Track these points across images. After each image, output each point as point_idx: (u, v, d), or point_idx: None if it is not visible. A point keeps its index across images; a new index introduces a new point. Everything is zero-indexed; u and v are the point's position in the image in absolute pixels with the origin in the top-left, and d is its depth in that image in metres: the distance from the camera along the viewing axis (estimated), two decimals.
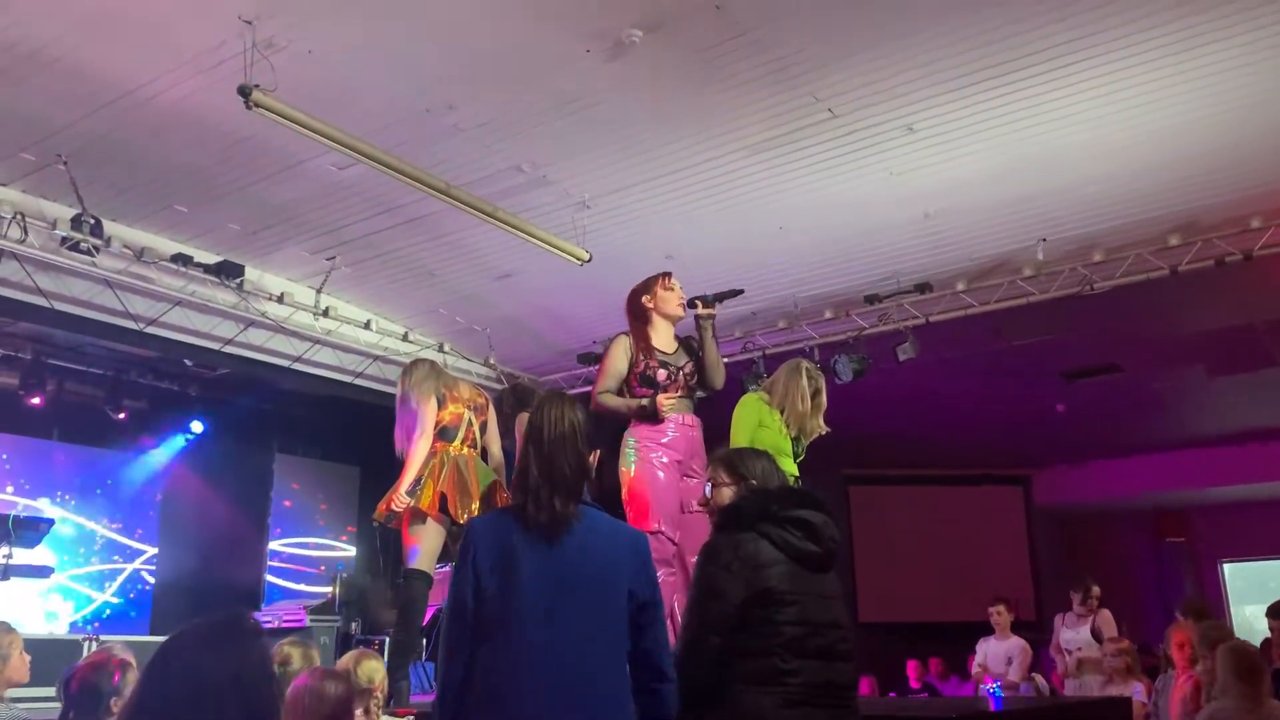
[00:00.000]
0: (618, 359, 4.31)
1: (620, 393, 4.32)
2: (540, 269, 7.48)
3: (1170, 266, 6.89)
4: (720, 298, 4.55)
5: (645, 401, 4.20)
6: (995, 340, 8.09)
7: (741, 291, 4.48)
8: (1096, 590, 7.04)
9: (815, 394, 4.64)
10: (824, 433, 4.71)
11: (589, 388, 8.28)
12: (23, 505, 8.76)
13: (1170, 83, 5.44)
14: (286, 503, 10.07)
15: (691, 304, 4.48)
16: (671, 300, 4.44)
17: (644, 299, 4.42)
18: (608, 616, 2.53)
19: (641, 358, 4.30)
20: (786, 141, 5.92)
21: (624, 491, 4.28)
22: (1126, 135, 5.93)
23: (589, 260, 6.78)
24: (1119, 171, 6.28)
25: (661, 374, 4.29)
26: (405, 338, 8.60)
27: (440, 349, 8.97)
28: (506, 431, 5.23)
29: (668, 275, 4.53)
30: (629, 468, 4.26)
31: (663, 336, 4.43)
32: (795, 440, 4.63)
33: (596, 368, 8.15)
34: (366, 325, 8.30)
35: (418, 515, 4.66)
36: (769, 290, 7.95)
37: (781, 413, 4.57)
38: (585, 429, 2.65)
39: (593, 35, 5.00)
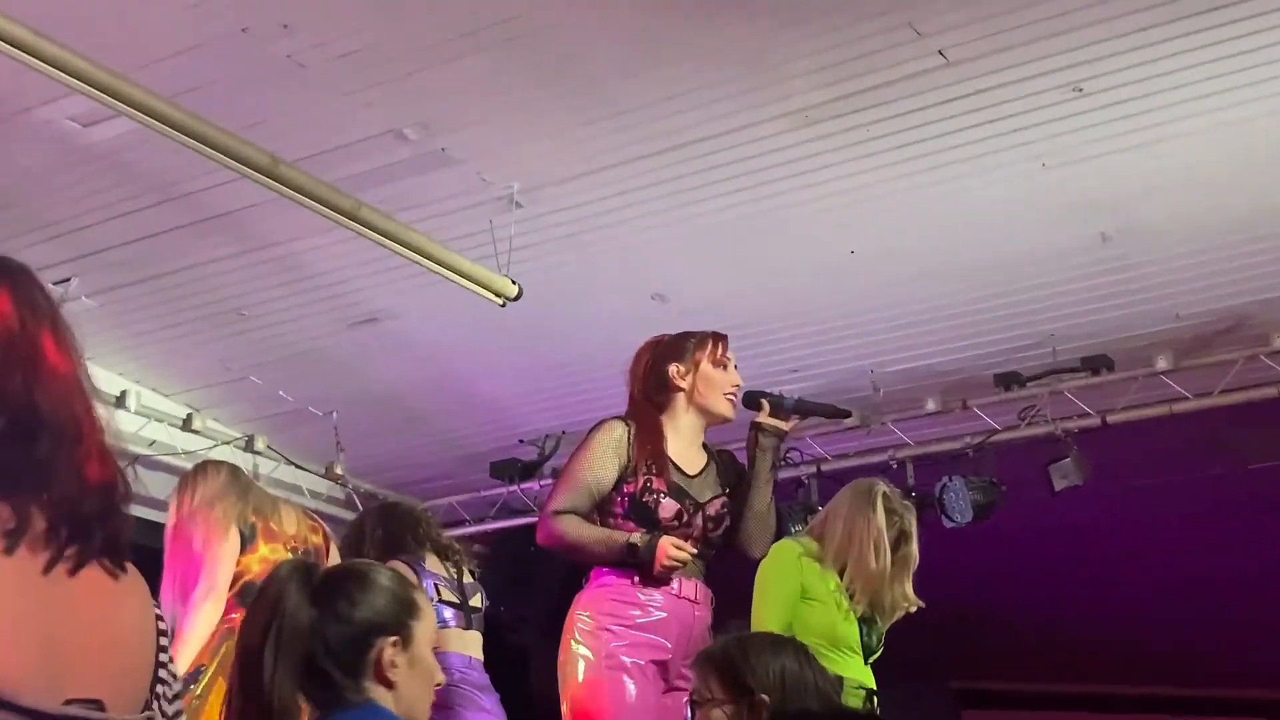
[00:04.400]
0: (602, 460, 3.97)
1: (591, 518, 3.95)
2: (430, 311, 6.79)
3: None
4: (808, 410, 4.15)
5: (636, 539, 3.84)
6: (1222, 458, 7.34)
7: (848, 414, 4.12)
8: None
9: (899, 540, 4.26)
10: (913, 609, 4.28)
11: (513, 521, 8.06)
12: None
13: None
14: None
15: (753, 402, 4.10)
16: (721, 385, 4.10)
17: (673, 368, 4.09)
18: None
19: (644, 469, 3.95)
20: (864, 106, 5.32)
21: (565, 711, 3.91)
22: None
23: (516, 298, 6.02)
24: None
25: (668, 508, 3.93)
26: (188, 424, 7.88)
27: (249, 446, 8.17)
28: None
29: (721, 339, 4.16)
30: (576, 668, 3.86)
31: (685, 440, 4.06)
32: (866, 622, 4.25)
33: (538, 483, 7.52)
34: (120, 400, 7.64)
35: None
36: (829, 360, 7.05)
37: (840, 574, 4.20)
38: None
39: None
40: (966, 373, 7.28)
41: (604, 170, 5.81)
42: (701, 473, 4.09)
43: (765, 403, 4.13)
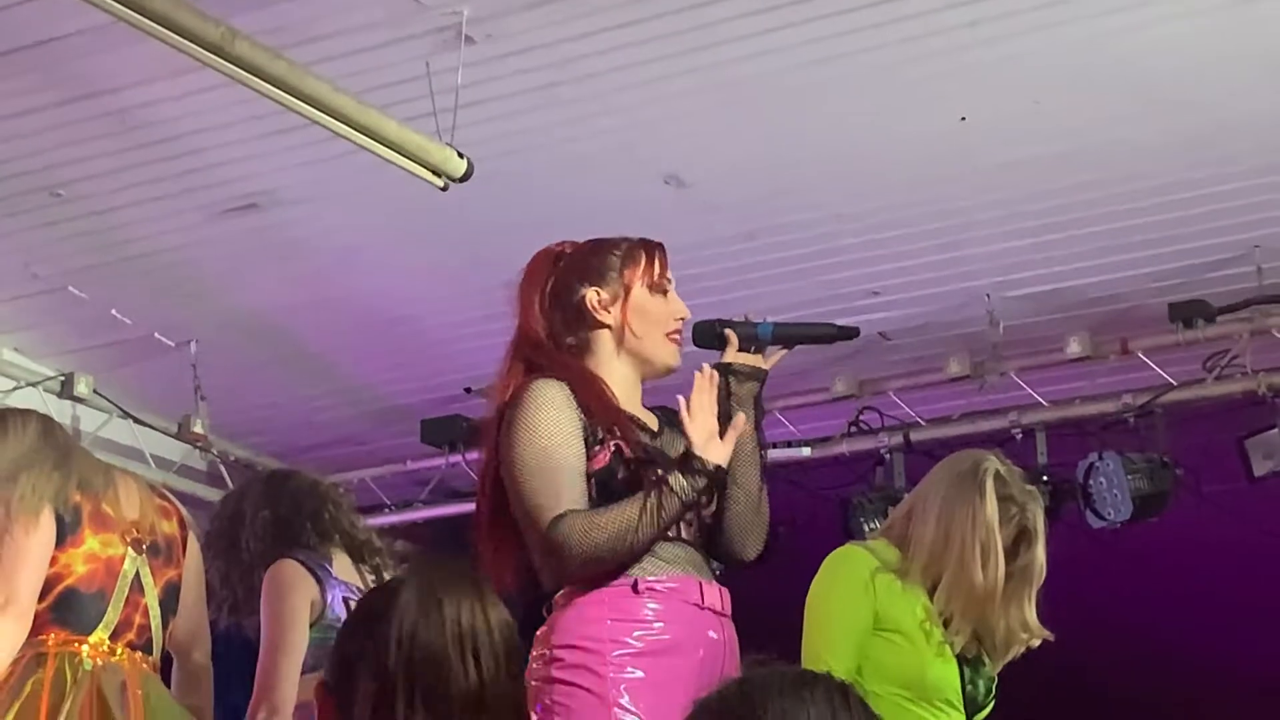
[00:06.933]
0: (562, 430, 3.74)
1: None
2: (334, 195, 6.57)
3: None
4: (794, 336, 3.90)
5: (670, 478, 3.68)
6: None
7: (855, 333, 4.02)
8: None
9: (1018, 542, 4.08)
10: (1036, 643, 4.13)
11: (455, 506, 8.13)
12: None
13: None
14: None
15: (710, 337, 3.85)
16: (662, 321, 3.87)
17: (591, 295, 3.86)
18: None
19: (600, 430, 3.73)
20: None
21: None
22: None
23: (463, 178, 5.69)
24: None
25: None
26: None
27: (66, 389, 8.11)
28: (250, 591, 4.91)
29: (658, 250, 3.92)
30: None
31: (623, 398, 3.89)
32: (970, 663, 4.14)
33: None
34: None
35: None
36: (924, 280, 6.73)
37: (932, 593, 4.06)
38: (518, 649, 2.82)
39: None
40: (1127, 300, 6.77)
41: None
42: (662, 433, 3.90)
43: (731, 334, 3.88)
